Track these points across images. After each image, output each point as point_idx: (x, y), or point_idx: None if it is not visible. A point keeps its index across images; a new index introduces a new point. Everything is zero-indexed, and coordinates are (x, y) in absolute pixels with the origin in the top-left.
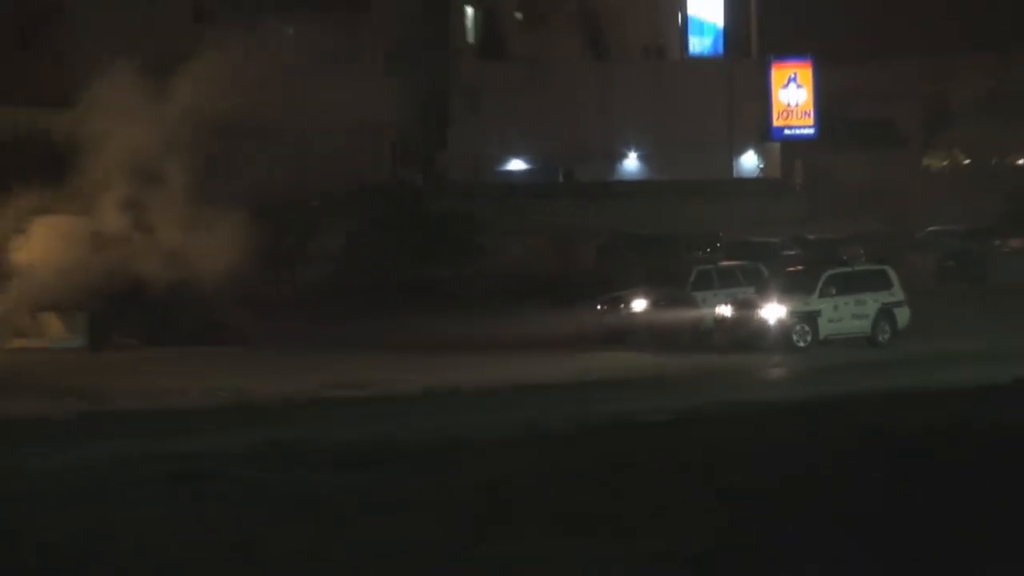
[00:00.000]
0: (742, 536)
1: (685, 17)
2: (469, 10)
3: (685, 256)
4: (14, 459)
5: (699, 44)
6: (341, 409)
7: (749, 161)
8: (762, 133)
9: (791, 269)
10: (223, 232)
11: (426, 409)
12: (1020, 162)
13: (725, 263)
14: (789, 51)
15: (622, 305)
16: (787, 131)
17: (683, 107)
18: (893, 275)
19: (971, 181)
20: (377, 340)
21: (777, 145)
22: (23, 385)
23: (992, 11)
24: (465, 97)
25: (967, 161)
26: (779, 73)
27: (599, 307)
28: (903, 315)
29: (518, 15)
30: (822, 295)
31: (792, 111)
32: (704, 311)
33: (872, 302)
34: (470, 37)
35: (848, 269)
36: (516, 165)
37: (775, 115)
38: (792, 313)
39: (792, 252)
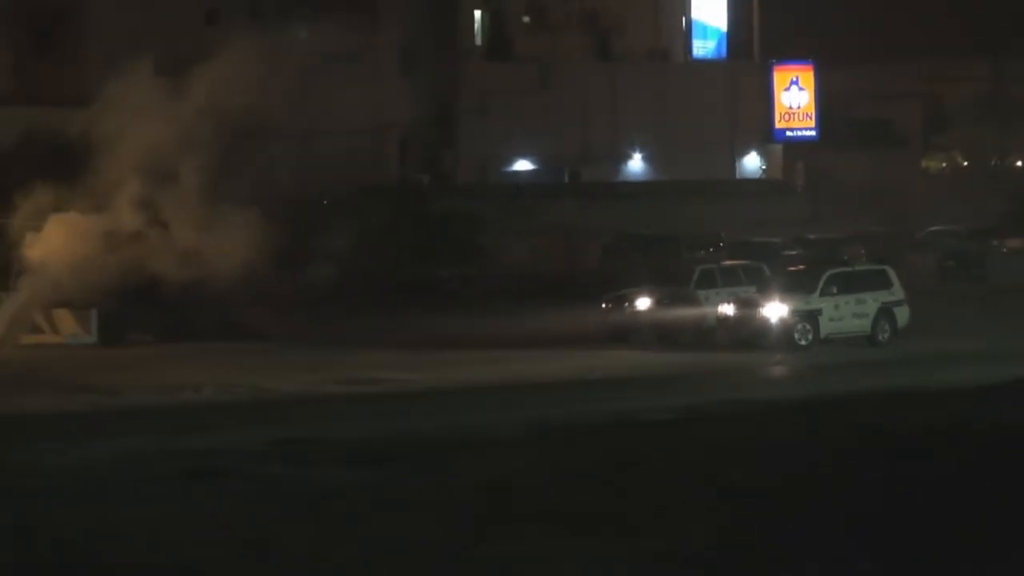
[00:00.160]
0: (743, 535)
1: (689, 21)
2: (477, 12)
3: (688, 256)
4: (30, 455)
5: (702, 47)
6: (351, 406)
7: (751, 162)
8: (764, 135)
9: (792, 269)
10: (236, 231)
11: (431, 407)
12: (1020, 163)
13: (728, 262)
14: (790, 52)
15: (626, 304)
16: (789, 133)
17: (687, 109)
18: (893, 275)
19: (971, 181)
20: (385, 338)
21: (779, 146)
22: (39, 381)
23: (992, 11)
24: (472, 98)
25: (966, 163)
26: (781, 76)
27: (604, 306)
28: (903, 315)
29: (525, 18)
30: (823, 294)
31: (794, 113)
32: (707, 310)
33: (872, 301)
34: (477, 39)
35: (849, 269)
36: (522, 166)
37: (777, 117)
38: (794, 312)
39: (793, 252)
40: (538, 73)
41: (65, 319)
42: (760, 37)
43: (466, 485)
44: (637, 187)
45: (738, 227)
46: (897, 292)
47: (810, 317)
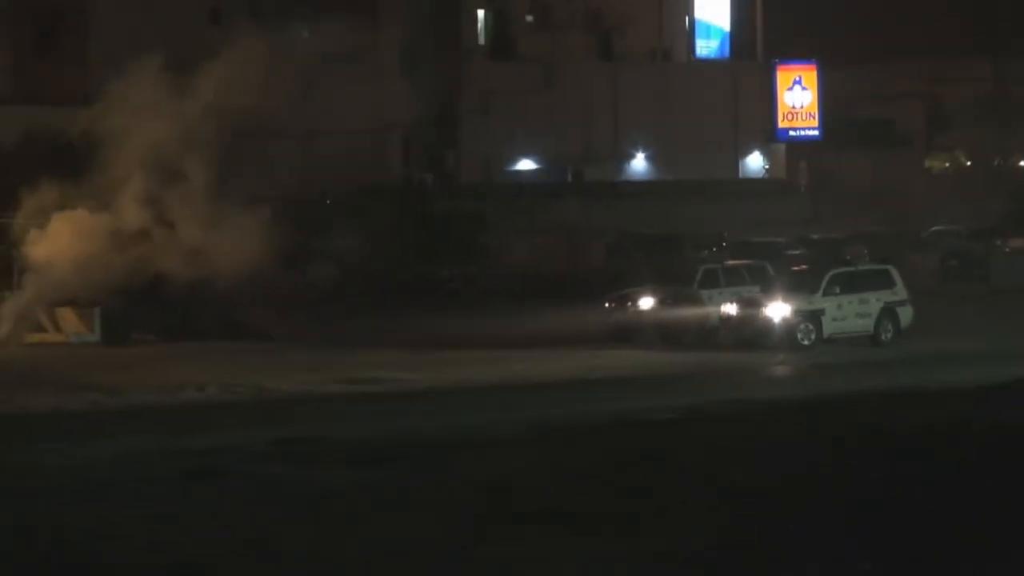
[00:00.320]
0: (743, 535)
1: (692, 20)
2: (480, 12)
3: (691, 255)
4: (31, 455)
5: (706, 47)
6: (352, 406)
7: (754, 162)
8: (767, 134)
9: (796, 268)
10: (241, 230)
11: (431, 407)
12: (1022, 163)
13: (731, 262)
14: (793, 53)
15: (629, 303)
16: (792, 132)
17: (690, 109)
18: (896, 275)
19: (974, 181)
20: (386, 338)
21: (782, 146)
22: (41, 380)
23: (994, 12)
24: (475, 98)
25: (969, 163)
26: (784, 76)
27: (606, 305)
28: (906, 314)
29: (529, 17)
30: (826, 294)
31: (797, 113)
32: (710, 309)
33: (875, 301)
34: (481, 39)
35: (852, 269)
36: (525, 165)
37: (780, 117)
38: (796, 312)
39: (796, 252)
40: (541, 73)
41: (68, 318)
42: (763, 37)
43: (466, 485)
44: (640, 187)
45: (740, 227)
46: (900, 292)
47: (813, 317)
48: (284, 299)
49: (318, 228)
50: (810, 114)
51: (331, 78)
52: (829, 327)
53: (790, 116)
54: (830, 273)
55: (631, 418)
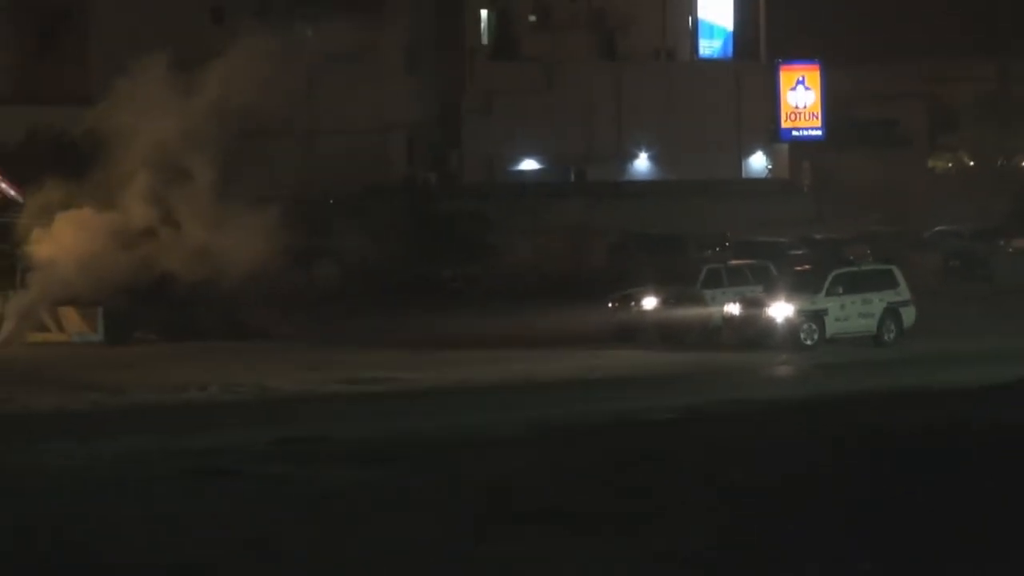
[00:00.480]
0: (743, 535)
1: (695, 20)
2: (483, 12)
3: (694, 255)
4: (32, 455)
5: (708, 47)
6: (353, 406)
7: (757, 162)
8: (770, 134)
9: (799, 268)
10: (247, 230)
11: (432, 407)
12: None
13: (734, 262)
14: (796, 53)
15: (632, 303)
16: (795, 132)
17: (693, 108)
18: (899, 275)
19: (977, 182)
20: (388, 338)
21: (785, 146)
22: (44, 379)
23: (997, 12)
24: (478, 98)
25: (972, 163)
26: (787, 76)
27: (609, 305)
28: (909, 314)
29: (532, 17)
30: (829, 294)
31: (800, 113)
32: (713, 309)
33: (878, 301)
34: (483, 39)
35: (855, 269)
36: (528, 165)
37: (783, 117)
38: (799, 312)
39: (799, 252)
40: (544, 72)
41: (71, 317)
42: (766, 37)
43: (466, 485)
44: (643, 186)
45: (743, 227)
46: (903, 292)
47: (816, 317)
48: (287, 299)
49: (321, 228)
50: (813, 114)
51: (334, 78)
52: (832, 327)
53: (793, 116)
54: (833, 273)
55: (631, 418)
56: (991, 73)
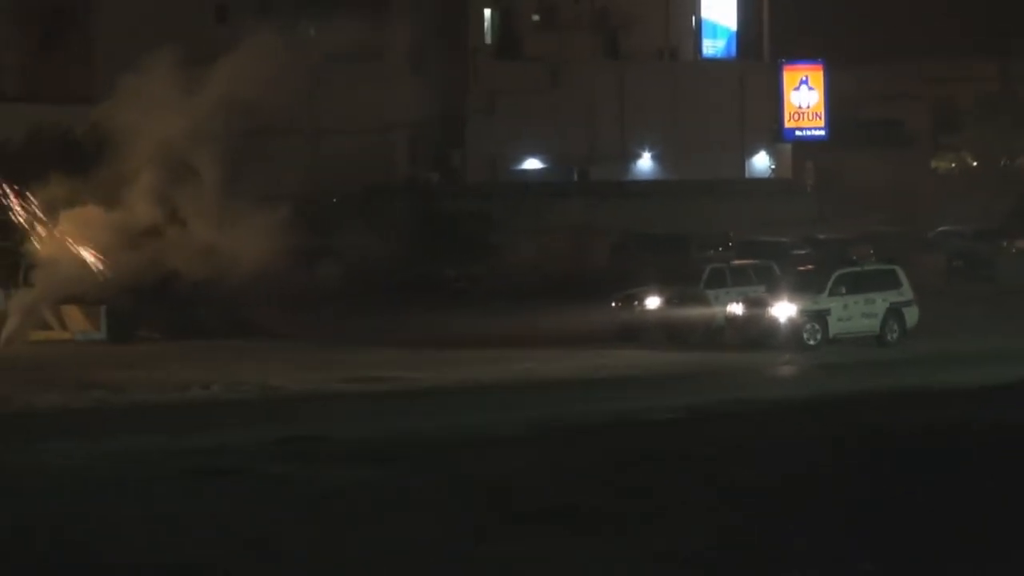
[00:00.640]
0: (743, 535)
1: (699, 20)
2: (487, 11)
3: (697, 255)
4: (33, 454)
5: (712, 47)
6: (354, 405)
7: (761, 162)
8: (773, 134)
9: (802, 268)
10: (250, 228)
11: (432, 407)
12: None
13: (737, 262)
14: (799, 53)
15: (636, 303)
16: (798, 132)
17: (696, 108)
18: (902, 275)
19: (980, 182)
20: (390, 337)
21: (788, 146)
22: (46, 377)
23: (1000, 12)
24: (481, 97)
25: (975, 164)
26: (791, 76)
27: (613, 305)
28: (912, 314)
29: (535, 17)
30: (832, 294)
31: (803, 113)
32: (716, 309)
33: (881, 301)
34: (487, 38)
35: (858, 269)
36: (531, 164)
37: (787, 117)
38: (803, 312)
39: (802, 252)
40: (547, 72)
41: (74, 315)
42: (770, 37)
43: (466, 485)
44: (646, 186)
45: (746, 227)
46: (906, 292)
47: (819, 317)
48: (290, 298)
49: (324, 227)
50: (816, 114)
51: (338, 77)
52: (835, 327)
53: (796, 116)
54: (836, 273)
55: (631, 418)
56: (992, 73)
